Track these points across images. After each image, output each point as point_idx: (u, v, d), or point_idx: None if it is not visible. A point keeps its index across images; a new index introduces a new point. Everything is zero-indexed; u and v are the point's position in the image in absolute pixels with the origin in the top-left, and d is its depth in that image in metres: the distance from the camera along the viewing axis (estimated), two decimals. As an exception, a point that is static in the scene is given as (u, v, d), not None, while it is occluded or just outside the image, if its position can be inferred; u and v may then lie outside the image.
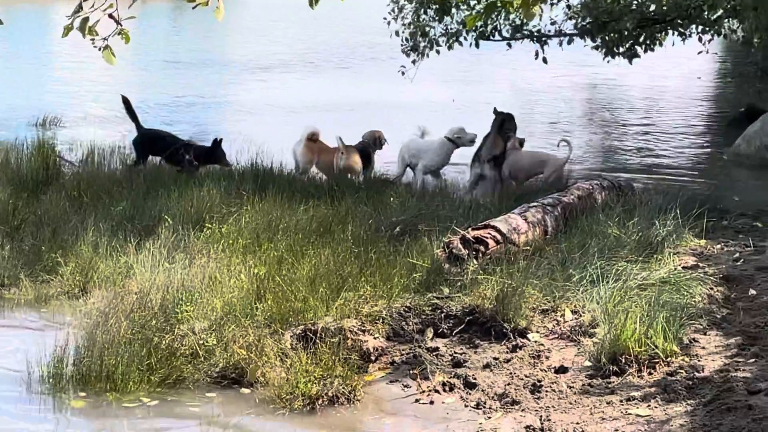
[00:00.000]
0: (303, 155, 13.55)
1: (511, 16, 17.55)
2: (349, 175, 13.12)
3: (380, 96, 21.32)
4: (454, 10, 17.38)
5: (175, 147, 13.39)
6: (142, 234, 9.87)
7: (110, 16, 7.14)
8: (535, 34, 17.78)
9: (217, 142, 13.41)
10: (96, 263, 9.25)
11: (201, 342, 7.71)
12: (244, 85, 24.33)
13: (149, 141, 13.78)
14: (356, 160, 13.35)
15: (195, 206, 10.65)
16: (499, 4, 8.86)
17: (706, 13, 16.43)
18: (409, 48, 17.34)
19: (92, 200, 11.24)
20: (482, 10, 13.09)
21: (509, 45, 17.89)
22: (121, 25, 7.23)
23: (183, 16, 40.69)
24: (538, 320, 8.36)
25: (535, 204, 10.46)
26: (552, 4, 17.96)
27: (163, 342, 7.63)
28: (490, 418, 7.02)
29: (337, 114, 19.49)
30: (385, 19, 17.37)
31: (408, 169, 14.05)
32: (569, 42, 17.67)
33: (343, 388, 7.27)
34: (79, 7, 7.07)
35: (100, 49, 7.25)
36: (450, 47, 17.33)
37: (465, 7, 17.47)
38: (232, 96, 22.77)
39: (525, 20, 17.44)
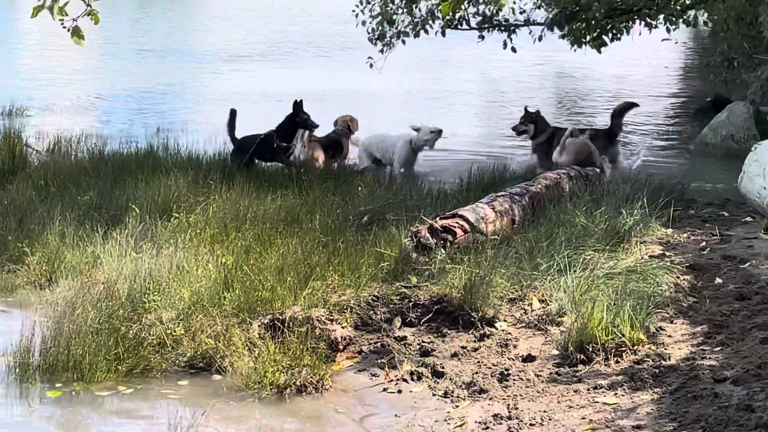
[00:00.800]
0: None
1: (481, 8, 17.57)
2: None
3: (353, 85, 21.28)
4: (423, 1, 17.36)
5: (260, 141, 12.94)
6: (109, 223, 9.84)
7: None
8: (503, 23, 17.78)
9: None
10: (63, 253, 9.22)
11: (168, 331, 7.71)
12: (214, 74, 24.25)
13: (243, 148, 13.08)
14: (316, 155, 13.23)
15: (162, 195, 10.61)
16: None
17: (672, 3, 16.47)
18: (375, 37, 17.30)
19: (59, 189, 11.19)
20: None
21: (482, 37, 17.87)
22: (90, 6, 7.20)
23: (153, 5, 40.54)
24: (506, 309, 8.38)
25: (503, 193, 10.48)
26: (520, -4, 18.00)
27: (131, 332, 7.61)
28: (458, 406, 7.04)
29: (308, 103, 19.46)
30: (353, 11, 17.33)
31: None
32: (540, 39, 17.69)
33: (311, 377, 7.27)
34: None
35: (68, 30, 7.22)
36: (416, 35, 17.30)
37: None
38: (200, 85, 22.69)
39: (496, 9, 17.47)
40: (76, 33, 7.24)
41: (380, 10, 17.30)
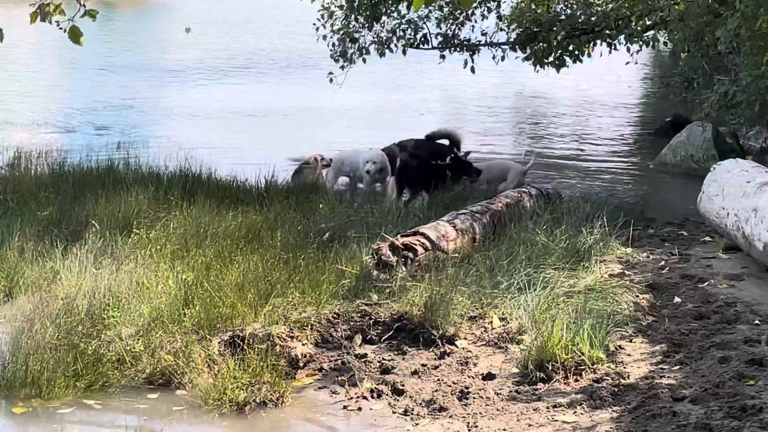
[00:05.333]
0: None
1: (443, 27, 17.69)
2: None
3: (317, 102, 21.29)
4: (384, 18, 17.44)
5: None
6: (69, 239, 9.78)
7: None
8: (465, 44, 17.86)
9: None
10: (22, 268, 9.15)
11: (128, 348, 7.66)
12: (176, 89, 24.19)
13: None
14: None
15: (123, 211, 10.57)
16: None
17: (633, 23, 16.60)
18: (338, 54, 17.34)
19: (18, 205, 11.10)
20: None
21: (443, 57, 17.96)
22: (85, 6, 7.23)
23: (115, 20, 40.38)
24: (466, 327, 8.38)
25: (464, 211, 10.51)
26: (484, 16, 18.08)
27: (90, 348, 7.57)
28: (417, 424, 7.03)
29: (273, 119, 19.52)
30: (314, 24, 17.36)
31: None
32: (502, 59, 17.78)
33: (271, 394, 7.25)
34: None
35: (65, 31, 7.24)
36: (381, 54, 17.37)
37: (396, 15, 17.54)
38: (162, 100, 22.62)
39: (458, 29, 17.61)
40: (74, 33, 7.24)
41: (341, 26, 17.35)
